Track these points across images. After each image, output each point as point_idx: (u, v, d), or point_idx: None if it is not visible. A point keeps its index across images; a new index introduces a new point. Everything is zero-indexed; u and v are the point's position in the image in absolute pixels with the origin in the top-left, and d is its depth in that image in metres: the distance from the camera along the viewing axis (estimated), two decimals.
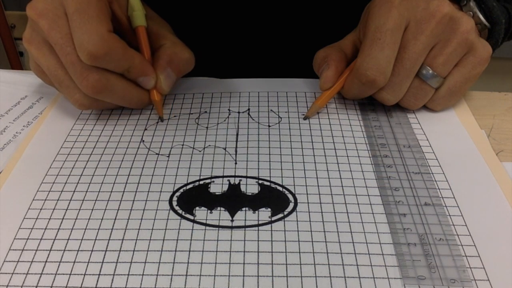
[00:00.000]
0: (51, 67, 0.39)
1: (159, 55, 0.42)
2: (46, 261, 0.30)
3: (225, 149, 0.39)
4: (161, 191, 0.35)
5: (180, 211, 0.33)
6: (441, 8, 0.38)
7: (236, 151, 0.38)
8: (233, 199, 0.34)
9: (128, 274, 0.29)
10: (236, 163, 0.37)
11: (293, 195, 0.34)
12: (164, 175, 0.36)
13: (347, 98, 0.44)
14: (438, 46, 0.39)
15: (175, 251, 0.30)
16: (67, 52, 0.37)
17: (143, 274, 0.29)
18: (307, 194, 0.34)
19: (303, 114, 0.43)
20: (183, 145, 0.39)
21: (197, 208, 0.33)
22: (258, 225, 0.32)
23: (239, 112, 0.43)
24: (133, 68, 0.39)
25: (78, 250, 0.30)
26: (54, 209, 0.33)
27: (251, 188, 0.35)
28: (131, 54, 0.39)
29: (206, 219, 0.32)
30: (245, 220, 0.32)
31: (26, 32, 0.40)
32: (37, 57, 0.39)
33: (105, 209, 0.33)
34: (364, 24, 0.41)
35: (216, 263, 0.30)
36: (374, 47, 0.38)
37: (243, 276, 0.29)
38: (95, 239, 0.31)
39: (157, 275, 0.29)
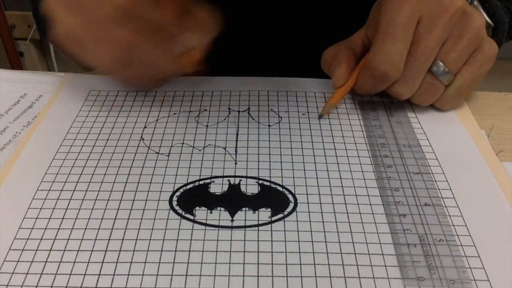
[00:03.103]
0: (77, 28, 0.37)
1: (188, 18, 0.39)
2: (46, 261, 0.30)
3: (225, 148, 0.39)
4: (161, 191, 0.35)
5: (180, 211, 0.33)
6: (455, 2, 0.38)
7: (236, 150, 0.38)
8: (233, 199, 0.34)
9: (128, 274, 0.29)
10: (236, 163, 0.37)
11: (293, 195, 0.34)
12: (164, 175, 0.36)
13: (360, 94, 0.44)
14: (450, 41, 0.39)
15: (175, 251, 0.30)
16: (93, 7, 0.35)
17: (143, 274, 0.29)
18: (307, 194, 0.34)
19: (303, 114, 0.43)
20: (183, 143, 0.39)
21: (197, 208, 0.33)
22: (258, 225, 0.32)
23: (239, 111, 0.43)
24: (164, 28, 0.37)
25: (78, 250, 0.30)
26: (54, 208, 0.33)
27: (251, 188, 0.35)
28: (162, 12, 0.37)
29: (206, 219, 0.32)
30: (245, 220, 0.32)
31: None
32: (63, 18, 0.37)
33: (105, 209, 0.33)
34: (374, 20, 0.41)
35: (216, 263, 0.30)
36: (386, 41, 0.38)
37: (243, 276, 0.29)
38: (95, 239, 0.31)
39: (157, 275, 0.29)
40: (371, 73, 0.39)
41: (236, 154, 0.38)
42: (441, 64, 0.39)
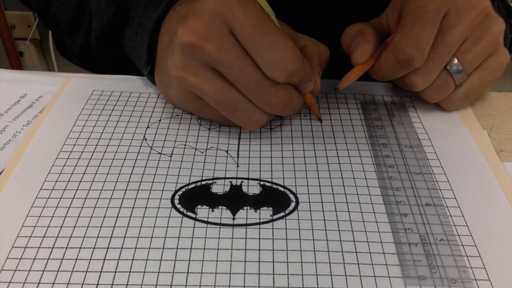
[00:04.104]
0: (219, 92, 0.36)
1: (309, 57, 0.40)
2: (48, 258, 0.30)
3: (227, 151, 0.39)
4: (163, 190, 0.35)
5: (182, 209, 0.33)
6: (483, 1, 0.38)
7: (238, 154, 0.38)
8: (235, 199, 0.34)
9: (130, 272, 0.29)
10: (238, 166, 0.37)
11: (295, 194, 0.34)
12: (167, 175, 0.36)
13: (375, 77, 0.43)
14: (469, 41, 0.39)
15: (177, 248, 0.30)
16: (248, 73, 0.34)
17: (144, 272, 0.29)
18: (308, 193, 0.34)
19: (305, 115, 0.43)
20: (185, 145, 0.39)
21: (198, 206, 0.33)
22: (260, 223, 0.32)
23: None
24: (305, 76, 0.37)
25: (80, 248, 0.30)
26: (56, 207, 0.33)
27: (252, 189, 0.35)
28: (307, 63, 0.37)
29: (208, 217, 0.32)
30: (247, 218, 0.32)
31: (175, 59, 0.36)
32: (196, 83, 0.36)
33: (107, 207, 0.33)
34: (396, 9, 0.41)
35: (217, 260, 0.30)
36: (416, 26, 0.37)
37: (244, 274, 0.29)
38: (97, 237, 0.31)
39: (158, 272, 0.29)
40: (395, 55, 0.38)
41: (238, 157, 0.38)
42: (457, 62, 0.39)
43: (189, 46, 0.35)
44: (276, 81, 0.35)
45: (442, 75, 0.40)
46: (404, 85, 0.42)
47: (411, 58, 0.38)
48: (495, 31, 0.39)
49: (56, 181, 0.35)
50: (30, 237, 0.31)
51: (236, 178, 0.36)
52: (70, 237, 0.31)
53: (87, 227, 0.32)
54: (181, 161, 0.37)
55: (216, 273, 0.29)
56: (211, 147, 0.39)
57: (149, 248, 0.30)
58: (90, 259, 0.30)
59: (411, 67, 0.39)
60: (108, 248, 0.30)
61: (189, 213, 0.33)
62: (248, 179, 0.36)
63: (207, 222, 0.32)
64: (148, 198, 0.34)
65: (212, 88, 0.36)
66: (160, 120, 0.42)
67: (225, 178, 0.36)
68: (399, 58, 0.38)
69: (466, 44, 0.39)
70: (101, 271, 0.29)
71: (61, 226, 0.32)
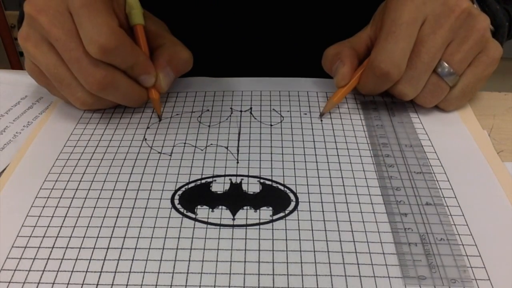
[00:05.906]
0: (50, 65, 0.38)
1: (159, 54, 0.42)
2: (48, 258, 0.30)
3: (227, 148, 0.39)
4: (163, 190, 0.35)
5: (182, 210, 0.33)
6: (460, 3, 0.38)
7: (238, 150, 0.39)
8: (235, 198, 0.34)
9: (130, 272, 0.29)
10: (237, 162, 0.37)
11: (295, 194, 0.34)
12: (166, 174, 0.36)
13: (363, 93, 0.44)
14: (455, 42, 0.39)
15: (177, 249, 0.30)
16: (71, 48, 0.36)
17: (144, 272, 0.29)
18: (308, 193, 0.34)
19: (305, 114, 0.43)
20: (185, 143, 0.39)
21: (198, 206, 0.33)
22: (260, 224, 0.32)
23: (241, 111, 0.43)
24: (137, 65, 0.39)
25: (80, 248, 0.30)
26: (56, 207, 0.33)
27: (252, 187, 0.35)
28: (138, 50, 0.39)
29: (208, 218, 0.32)
30: (247, 218, 0.32)
31: (22, 29, 0.39)
32: (35, 55, 0.38)
33: (107, 207, 0.33)
34: (379, 20, 0.41)
35: (217, 261, 0.30)
36: (388, 40, 0.38)
37: (244, 274, 0.29)
38: (97, 237, 0.31)
39: (158, 272, 0.29)
40: (373, 72, 0.39)
41: (238, 153, 0.38)
42: (446, 65, 0.39)
43: (28, 17, 0.37)
44: (94, 58, 0.36)
45: (432, 79, 0.40)
46: (395, 95, 0.42)
47: (386, 73, 0.38)
48: (479, 28, 0.39)
49: (56, 181, 0.35)
50: (30, 236, 0.31)
51: (236, 175, 0.36)
52: (70, 237, 0.31)
53: (87, 227, 0.32)
54: (181, 159, 0.38)
55: (216, 273, 0.29)
56: (211, 144, 0.39)
57: (149, 249, 0.30)
58: (90, 259, 0.30)
59: (390, 81, 0.39)
60: (108, 248, 0.30)
61: (189, 214, 0.33)
62: (248, 176, 0.36)
63: (207, 223, 0.32)
64: (148, 198, 0.34)
65: (45, 60, 0.38)
66: (159, 120, 0.42)
67: (225, 175, 0.36)
68: (376, 74, 0.39)
69: (452, 46, 0.39)
70: (101, 271, 0.29)
71: (61, 226, 0.32)
